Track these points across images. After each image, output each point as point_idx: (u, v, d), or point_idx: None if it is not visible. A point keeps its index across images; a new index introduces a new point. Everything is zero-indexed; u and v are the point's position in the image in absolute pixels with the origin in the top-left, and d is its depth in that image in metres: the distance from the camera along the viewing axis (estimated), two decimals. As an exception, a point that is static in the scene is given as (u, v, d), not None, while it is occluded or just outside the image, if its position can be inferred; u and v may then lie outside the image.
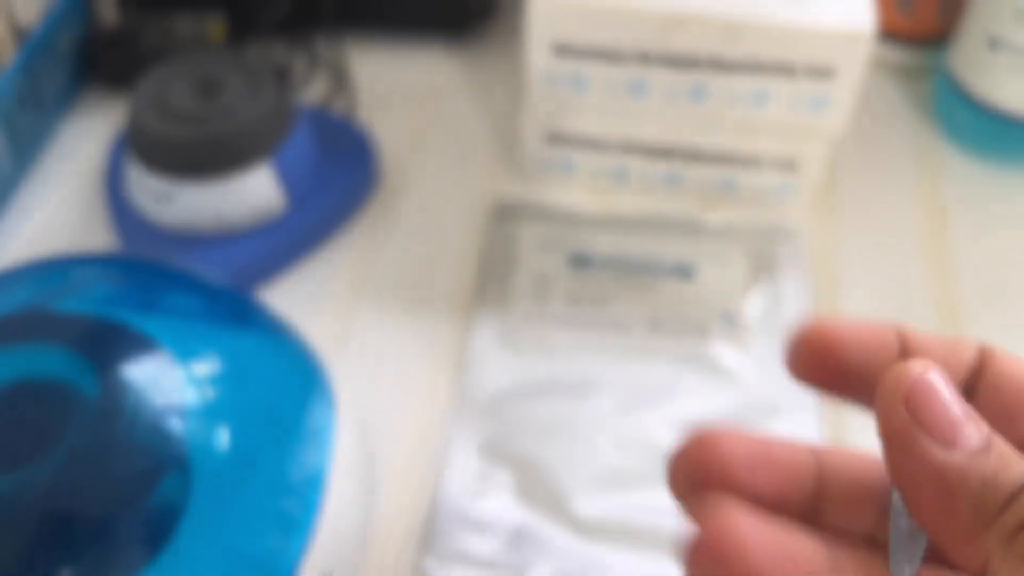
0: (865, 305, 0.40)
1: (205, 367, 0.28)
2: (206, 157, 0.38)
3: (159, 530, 0.25)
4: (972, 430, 0.16)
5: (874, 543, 0.19)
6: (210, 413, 0.27)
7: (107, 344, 0.27)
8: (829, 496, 0.19)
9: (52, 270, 0.32)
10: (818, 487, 0.19)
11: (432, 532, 0.32)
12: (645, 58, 0.38)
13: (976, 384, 0.18)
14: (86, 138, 0.47)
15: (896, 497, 0.18)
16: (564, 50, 0.38)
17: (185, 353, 0.28)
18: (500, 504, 0.33)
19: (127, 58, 0.48)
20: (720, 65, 0.38)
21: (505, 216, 0.43)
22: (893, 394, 0.17)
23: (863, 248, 0.43)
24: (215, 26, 0.49)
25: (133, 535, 0.25)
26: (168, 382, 0.26)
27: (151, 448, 0.25)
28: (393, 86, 0.50)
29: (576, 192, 0.44)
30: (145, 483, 0.25)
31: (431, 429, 0.36)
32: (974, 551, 0.16)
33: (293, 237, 0.41)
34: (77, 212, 0.44)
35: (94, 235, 0.43)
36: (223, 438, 0.27)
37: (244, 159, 0.38)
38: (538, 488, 0.33)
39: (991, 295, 0.41)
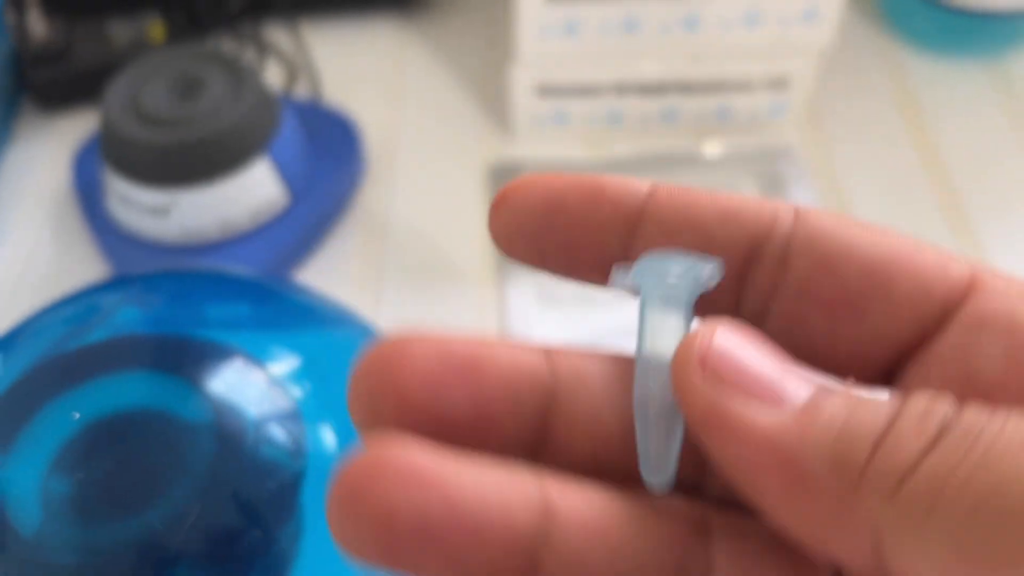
0: (872, 209, 0.41)
1: (296, 371, 0.26)
2: (202, 160, 0.36)
3: (289, 550, 0.24)
4: (796, 380, 0.12)
5: (625, 477, 0.13)
6: (316, 418, 0.25)
7: (194, 363, 0.25)
8: (561, 412, 0.14)
9: (78, 304, 0.29)
10: (547, 402, 0.13)
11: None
12: (639, -7, 0.37)
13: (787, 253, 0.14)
14: (33, 163, 0.44)
15: (639, 373, 0.13)
16: (556, -4, 0.37)
17: (271, 359, 0.26)
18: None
19: (62, 75, 0.45)
20: (712, -10, 0.37)
21: (505, 178, 0.42)
22: (686, 369, 0.12)
23: (856, 156, 0.43)
24: (154, 27, 0.46)
25: (270, 560, 0.23)
26: (270, 393, 0.25)
27: (277, 467, 0.23)
28: (354, 66, 0.48)
29: (569, 143, 0.43)
30: (281, 505, 0.23)
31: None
32: (852, 534, 0.11)
33: (301, 230, 0.39)
34: (49, 241, 0.41)
35: (77, 263, 0.40)
36: (334, 441, 0.25)
37: (242, 156, 0.36)
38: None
39: (984, 178, 0.42)
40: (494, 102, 0.45)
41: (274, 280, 0.32)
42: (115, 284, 0.31)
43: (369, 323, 0.30)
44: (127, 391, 0.24)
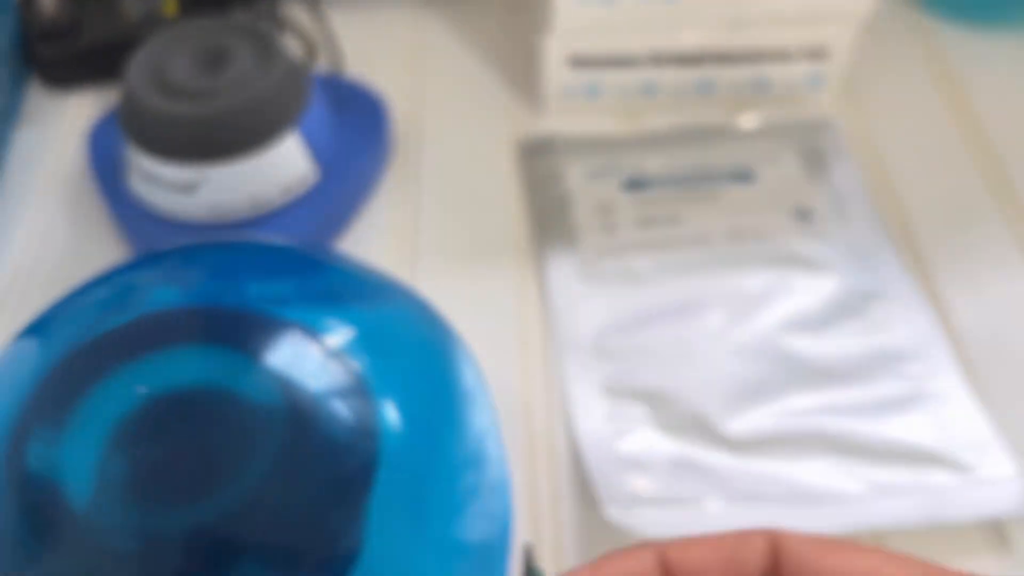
0: (915, 181, 0.40)
1: (355, 345, 0.25)
2: (232, 134, 0.34)
3: (360, 535, 0.22)
4: None
5: None
6: (381, 395, 0.24)
7: (251, 336, 0.23)
8: None
9: (112, 283, 0.28)
10: None
11: (594, 482, 0.30)
12: (680, -42, 0.36)
13: None
14: (44, 144, 0.42)
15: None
16: (595, -39, 0.36)
17: (328, 332, 0.24)
18: (646, 440, 0.31)
19: (72, 51, 0.43)
20: (756, -45, 0.36)
21: (537, 152, 0.41)
22: None
23: (894, 128, 0.42)
24: (168, 1, 0.44)
25: (335, 544, 0.22)
26: (335, 369, 0.23)
27: (349, 448, 0.22)
28: (373, 40, 0.46)
29: (601, 116, 0.42)
30: (354, 490, 0.21)
31: (537, 380, 0.34)
32: None
33: (331, 207, 0.37)
34: (65, 223, 0.39)
35: (96, 244, 0.38)
36: (398, 420, 0.24)
37: (272, 130, 0.35)
38: (677, 417, 0.32)
39: (1026, 151, 0.41)
40: (521, 73, 0.44)
41: (315, 249, 0.31)
42: (146, 261, 0.29)
43: (420, 294, 0.29)
44: (183, 366, 0.22)
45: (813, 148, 0.40)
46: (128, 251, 0.38)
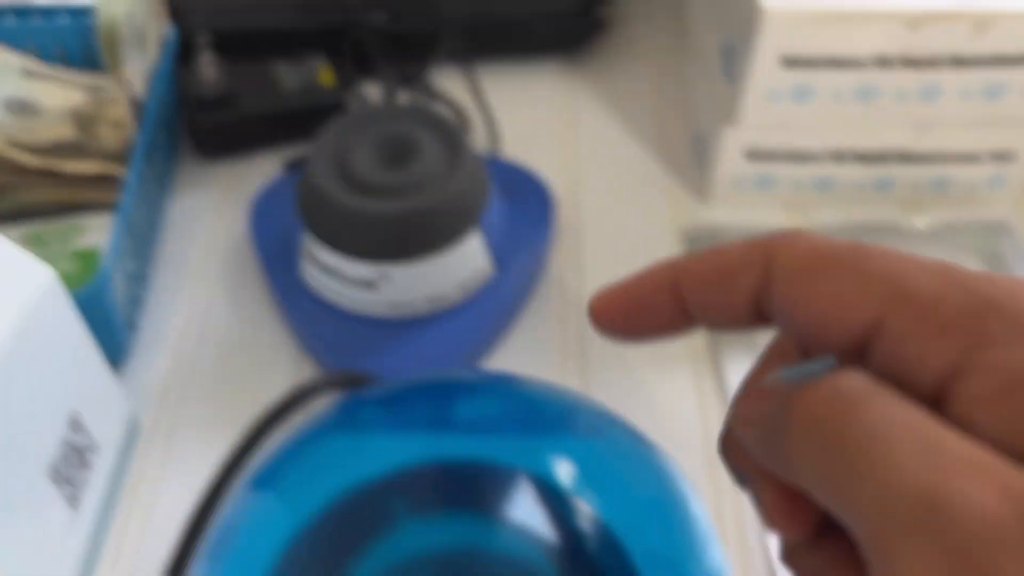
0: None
1: (587, 486, 0.23)
2: (419, 234, 0.33)
3: None
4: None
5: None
6: (629, 539, 0.23)
7: (492, 494, 0.22)
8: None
9: (333, 436, 0.27)
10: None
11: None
12: (883, 61, 0.35)
13: (770, 286, 0.16)
14: (200, 215, 0.41)
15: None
16: (794, 61, 0.35)
17: (561, 477, 0.23)
18: None
19: (228, 123, 0.42)
20: (960, 61, 0.35)
21: (705, 244, 0.39)
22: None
23: (1072, 230, 0.41)
24: (323, 71, 0.44)
25: None
26: (582, 518, 0.22)
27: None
28: (522, 117, 0.45)
29: (770, 208, 0.41)
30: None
31: (727, 500, 0.33)
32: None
33: (503, 303, 0.36)
34: (225, 299, 0.38)
35: (258, 324, 0.37)
36: (652, 564, 0.23)
37: (458, 230, 0.34)
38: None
39: None
40: (680, 158, 0.43)
41: (514, 378, 0.30)
42: (361, 407, 0.28)
43: (631, 425, 0.28)
44: (431, 534, 0.21)
45: (993, 252, 0.39)
46: (294, 335, 0.37)
